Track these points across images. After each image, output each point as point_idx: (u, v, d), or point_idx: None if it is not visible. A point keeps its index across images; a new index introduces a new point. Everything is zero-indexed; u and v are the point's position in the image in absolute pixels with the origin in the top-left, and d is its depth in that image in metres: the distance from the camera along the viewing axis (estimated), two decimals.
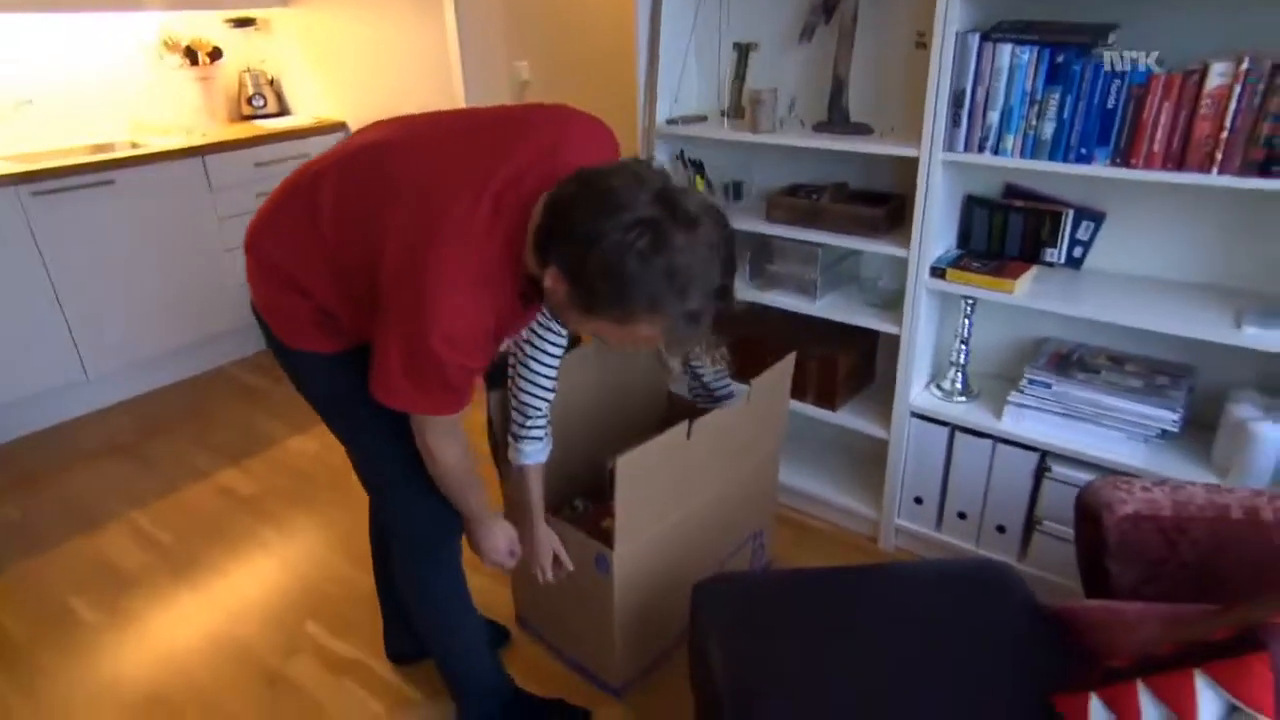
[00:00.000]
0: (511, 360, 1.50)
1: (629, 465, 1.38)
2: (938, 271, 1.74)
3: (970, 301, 1.80)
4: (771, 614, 1.29)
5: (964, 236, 1.85)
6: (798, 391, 2.07)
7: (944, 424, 1.85)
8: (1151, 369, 1.70)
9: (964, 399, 1.87)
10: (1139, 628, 1.22)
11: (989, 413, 1.81)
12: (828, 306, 1.97)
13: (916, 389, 1.92)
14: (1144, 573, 1.33)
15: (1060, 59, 1.46)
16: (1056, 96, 1.48)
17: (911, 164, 1.68)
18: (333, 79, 3.42)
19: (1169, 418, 1.58)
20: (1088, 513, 1.34)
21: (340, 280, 1.14)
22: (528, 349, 1.47)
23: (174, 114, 3.36)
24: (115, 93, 3.20)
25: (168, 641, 1.85)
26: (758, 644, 1.24)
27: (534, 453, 1.49)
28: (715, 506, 1.69)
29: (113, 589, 2.03)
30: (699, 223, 0.97)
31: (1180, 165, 1.41)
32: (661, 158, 2.18)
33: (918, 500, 1.98)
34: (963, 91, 1.56)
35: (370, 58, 3.23)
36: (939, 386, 1.91)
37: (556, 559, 1.54)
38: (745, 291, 2.08)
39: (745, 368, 2.10)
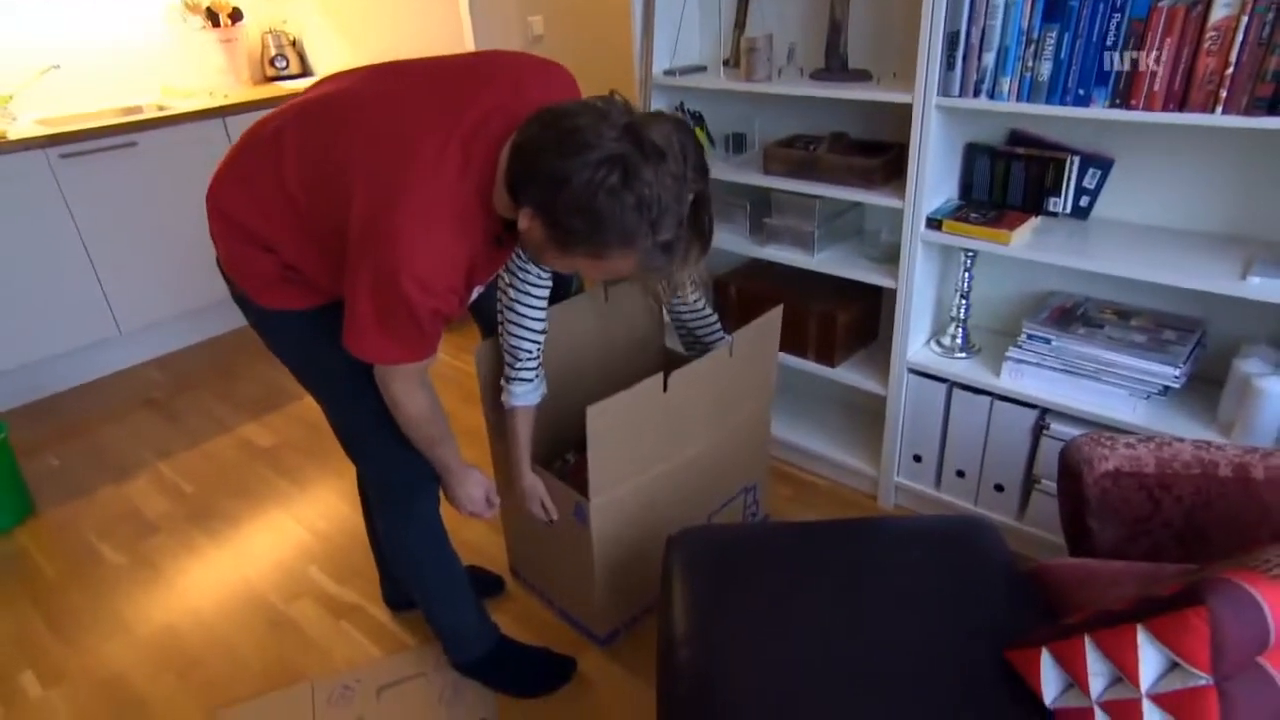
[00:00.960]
0: (500, 305, 1.52)
1: (599, 415, 1.39)
2: (934, 223, 1.69)
3: (970, 254, 1.74)
4: (738, 565, 1.30)
5: (965, 187, 1.79)
6: (797, 347, 2.05)
7: (942, 380, 1.81)
8: (1159, 323, 1.63)
9: (964, 355, 1.82)
10: (1113, 587, 1.19)
11: (988, 369, 1.76)
12: (827, 261, 1.93)
13: (916, 345, 1.88)
14: (1126, 531, 1.29)
15: None
16: (1054, 34, 1.41)
17: (909, 111, 1.62)
18: (351, 38, 3.43)
19: (1170, 373, 1.51)
20: (1069, 469, 1.31)
21: (308, 233, 1.16)
22: (511, 292, 1.48)
23: (199, 77, 3.42)
24: (141, 56, 3.27)
25: (182, 583, 1.95)
26: (720, 594, 1.24)
27: (524, 394, 1.52)
28: (703, 459, 1.69)
29: (136, 534, 2.14)
30: (665, 154, 0.98)
31: (1183, 105, 1.33)
32: (660, 108, 2.14)
33: (916, 458, 1.95)
34: (957, 32, 1.49)
35: (387, 15, 3.22)
36: (939, 342, 1.87)
37: (544, 507, 1.56)
38: (744, 246, 2.05)
39: (743, 322, 2.09)
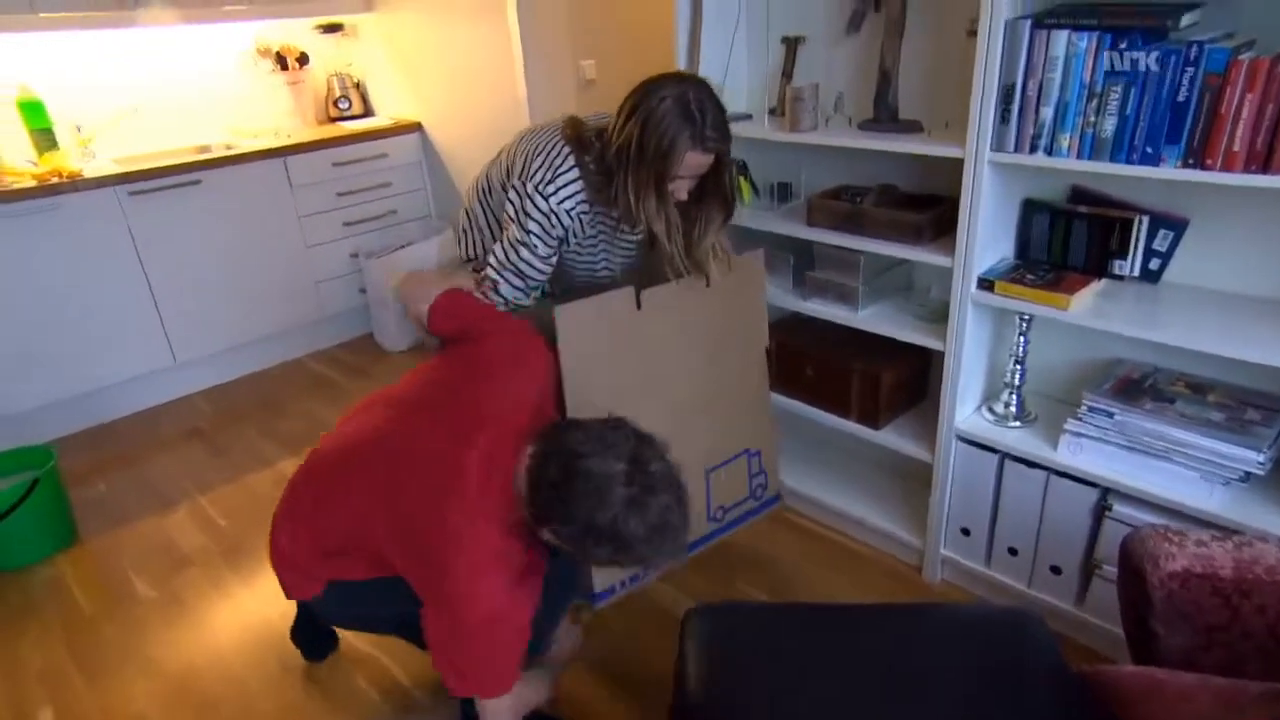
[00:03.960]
0: (500, 262, 1.57)
1: (569, 315, 1.36)
2: (986, 283, 1.58)
3: (1026, 318, 1.62)
4: (759, 647, 1.20)
5: (1022, 246, 1.68)
6: (840, 407, 1.95)
7: (993, 451, 1.69)
8: (1240, 400, 1.48)
9: (1018, 424, 1.69)
10: (1184, 704, 1.05)
11: (1045, 441, 1.63)
12: (871, 318, 1.83)
13: (966, 411, 1.76)
14: (1197, 639, 1.15)
15: (1123, 45, 1.29)
16: (1119, 89, 1.30)
17: (961, 165, 1.53)
18: (411, 81, 3.51)
19: (1253, 458, 1.37)
20: (1131, 565, 1.18)
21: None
22: (499, 258, 1.57)
23: (267, 117, 3.54)
24: (213, 98, 3.40)
25: (208, 622, 1.94)
26: (737, 678, 1.15)
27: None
28: (694, 407, 1.67)
29: (170, 568, 2.15)
30: (665, 480, 1.19)
31: (1266, 166, 1.21)
32: None
33: (965, 531, 1.81)
34: (1012, 85, 1.40)
35: (444, 60, 3.29)
36: (991, 409, 1.75)
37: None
38: (786, 300, 1.98)
39: (784, 377, 2.00)
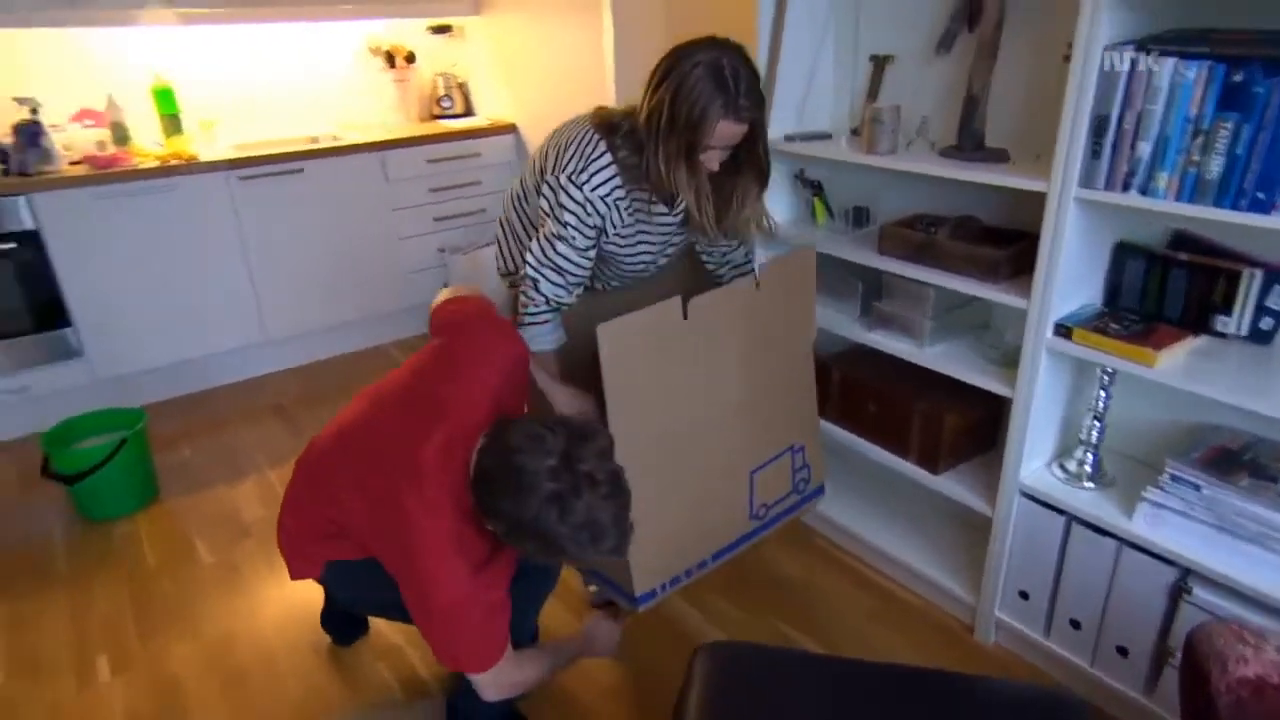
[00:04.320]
0: (536, 259, 1.54)
1: (612, 334, 1.31)
2: (1063, 330, 1.45)
3: (1108, 371, 1.48)
4: (766, 700, 1.13)
5: (1112, 293, 1.53)
6: (898, 447, 1.84)
7: (1060, 512, 1.54)
8: None
9: (1092, 485, 1.55)
10: None
11: (1119, 507, 1.48)
12: (938, 356, 1.72)
13: (1034, 465, 1.62)
14: None
15: (1239, 77, 1.15)
16: (1230, 125, 1.16)
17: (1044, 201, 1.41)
18: (510, 83, 3.59)
19: None
20: (1194, 664, 1.04)
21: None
22: (536, 255, 1.54)
23: (374, 112, 3.70)
24: (325, 92, 3.58)
25: (254, 595, 2.02)
26: None
27: (541, 336, 1.56)
28: (739, 410, 1.61)
29: (230, 536, 2.26)
30: (596, 479, 1.17)
31: None
32: (777, 176, 2.02)
33: (1023, 595, 1.67)
34: (1106, 117, 1.28)
35: (541, 63, 3.34)
36: (1063, 466, 1.60)
37: None
38: (851, 329, 1.88)
39: (845, 410, 1.91)
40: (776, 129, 1.94)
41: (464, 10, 3.64)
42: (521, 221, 1.70)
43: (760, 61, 1.90)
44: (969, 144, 1.62)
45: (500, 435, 1.22)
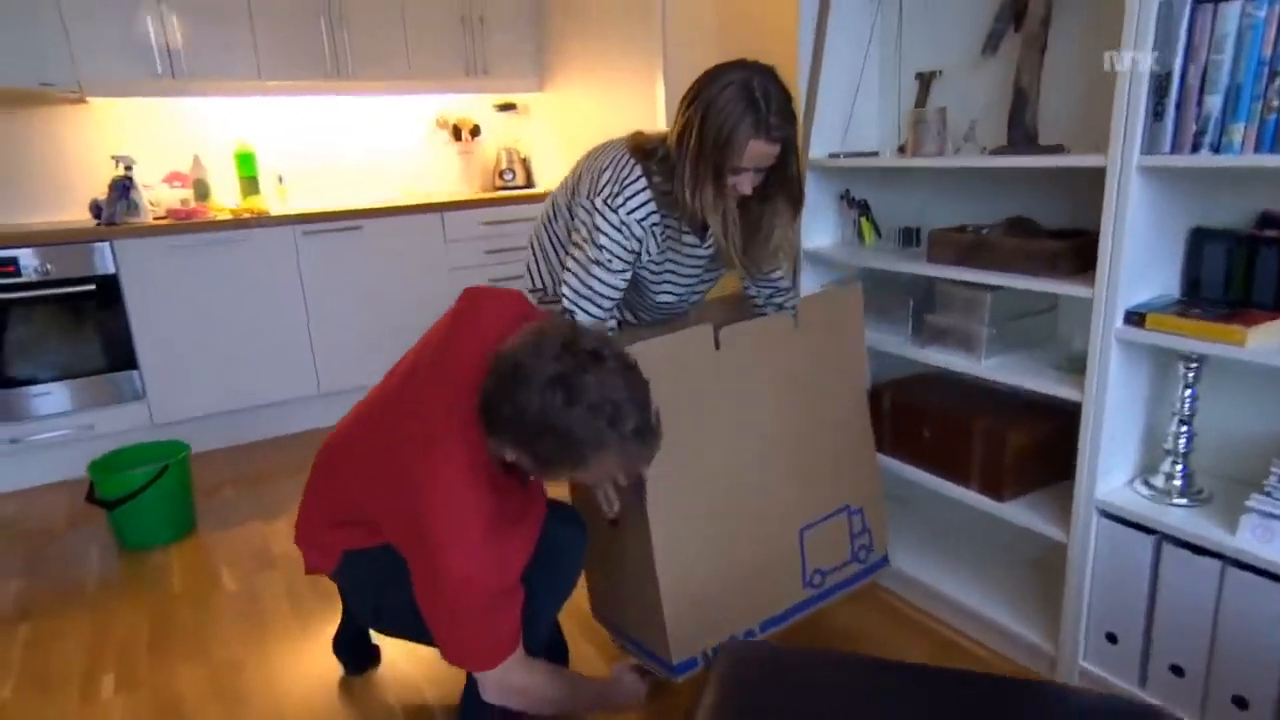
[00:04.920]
0: (567, 289, 1.48)
1: (638, 358, 1.19)
2: (1135, 318, 1.30)
3: (1193, 365, 1.31)
4: (794, 699, 0.97)
5: (1191, 284, 1.38)
6: (957, 473, 1.67)
7: (1148, 531, 1.34)
8: None
9: (1184, 501, 1.35)
10: None
11: (1219, 523, 1.28)
12: (998, 367, 1.58)
13: (1114, 483, 1.43)
14: None
15: None
16: None
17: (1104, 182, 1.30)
18: (570, 156, 3.67)
19: None
20: None
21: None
22: (571, 281, 1.48)
23: (439, 181, 3.87)
24: (395, 161, 3.77)
25: (268, 621, 1.94)
26: None
27: None
28: (783, 457, 1.48)
29: (256, 567, 2.20)
30: (603, 355, 1.08)
31: None
32: (822, 198, 1.97)
33: (1110, 638, 1.44)
34: (1168, 75, 1.19)
35: (599, 134, 3.43)
36: (1148, 483, 1.41)
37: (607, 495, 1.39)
38: (902, 347, 1.76)
39: (896, 438, 1.76)
40: (820, 148, 1.91)
41: (530, 87, 3.83)
42: (550, 239, 1.69)
43: (801, 84, 1.89)
44: (1020, 140, 1.54)
45: (498, 355, 1.13)
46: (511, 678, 1.21)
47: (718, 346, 1.34)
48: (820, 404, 1.54)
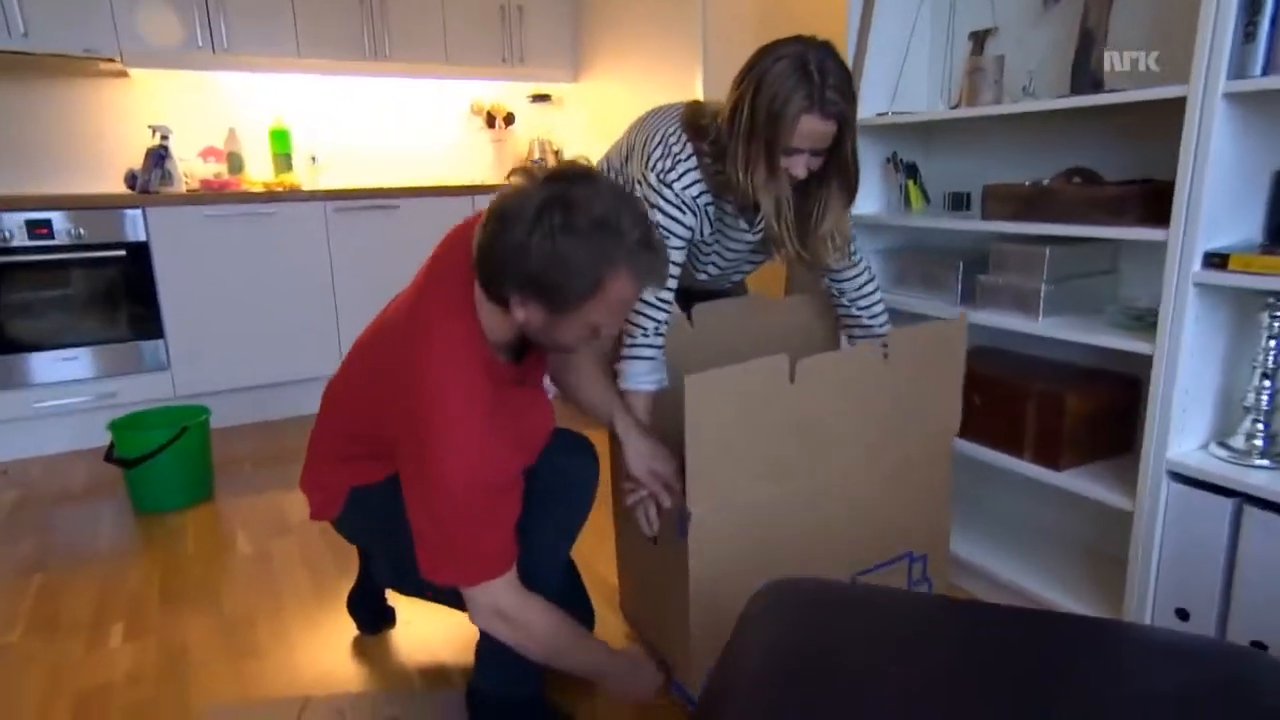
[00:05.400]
0: None
1: (702, 389, 1.10)
2: (1216, 259, 1.21)
3: (1278, 313, 1.22)
4: (850, 648, 0.88)
5: (1277, 231, 1.29)
6: (1008, 442, 1.58)
7: (1227, 493, 1.24)
8: None
9: (1267, 463, 1.24)
10: None
11: None
12: (1056, 325, 1.48)
13: (1186, 445, 1.33)
14: None
15: None
16: None
17: (1180, 123, 1.21)
18: (603, 148, 3.67)
19: None
20: None
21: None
22: None
23: (471, 168, 3.85)
24: (428, 145, 3.76)
25: (282, 582, 1.88)
26: (812, 691, 0.83)
27: (639, 375, 1.34)
28: (847, 491, 1.32)
29: (271, 531, 2.15)
30: (592, 175, 1.02)
31: None
32: (868, 161, 1.90)
33: (1182, 614, 1.33)
34: None
35: None
36: (1225, 444, 1.31)
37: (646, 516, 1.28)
38: (949, 312, 1.67)
39: None
40: (868, 108, 1.85)
41: (565, 77, 3.81)
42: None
43: (850, 47, 1.83)
44: (1086, 86, 1.47)
45: (484, 217, 1.05)
46: (502, 600, 1.11)
47: (793, 380, 1.20)
48: (899, 447, 1.37)
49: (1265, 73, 1.12)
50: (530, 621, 1.13)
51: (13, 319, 2.67)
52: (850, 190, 1.37)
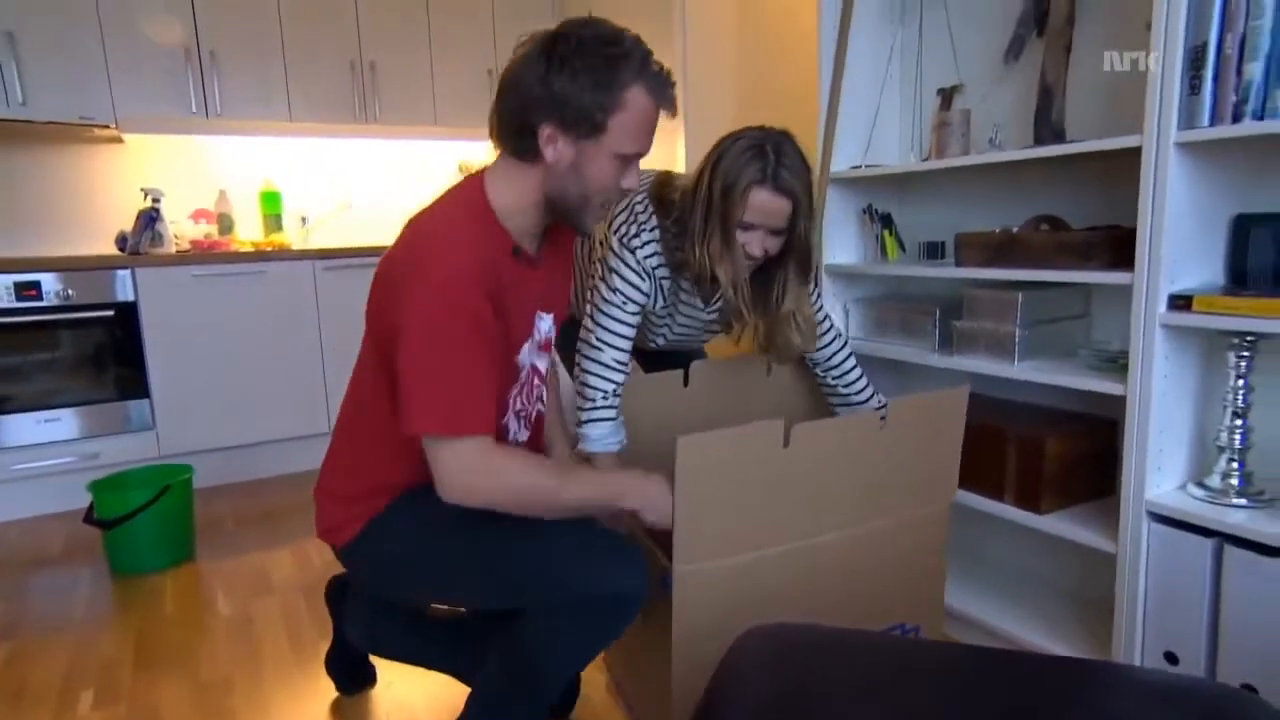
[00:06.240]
0: (578, 342, 1.37)
1: (694, 450, 1.09)
2: (1180, 301, 1.24)
3: (1244, 353, 1.24)
4: (821, 679, 0.87)
5: (1237, 274, 1.32)
6: (990, 487, 1.58)
7: (1207, 533, 1.24)
8: None
9: (1244, 502, 1.25)
10: None
11: None
12: (1032, 369, 1.50)
13: (1165, 485, 1.34)
14: None
15: None
16: None
17: (1139, 169, 1.26)
18: None
19: None
20: None
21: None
22: (589, 323, 1.39)
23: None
24: (415, 205, 3.79)
25: (262, 644, 1.83)
26: (795, 694, 0.82)
27: (601, 437, 1.34)
28: (837, 557, 1.29)
29: (253, 591, 2.11)
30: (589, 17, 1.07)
31: None
32: (844, 213, 1.94)
33: (1170, 658, 1.31)
34: (1203, 45, 1.16)
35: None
36: (1202, 484, 1.31)
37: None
38: (928, 358, 1.70)
39: None
40: (842, 161, 1.90)
41: None
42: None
43: (822, 103, 1.89)
44: (1047, 138, 1.52)
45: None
46: (480, 460, 1.04)
47: (787, 444, 1.18)
48: (894, 515, 1.35)
49: (1212, 123, 1.17)
50: (510, 471, 1.06)
51: None
52: (806, 270, 1.40)
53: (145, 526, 2.22)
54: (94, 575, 2.25)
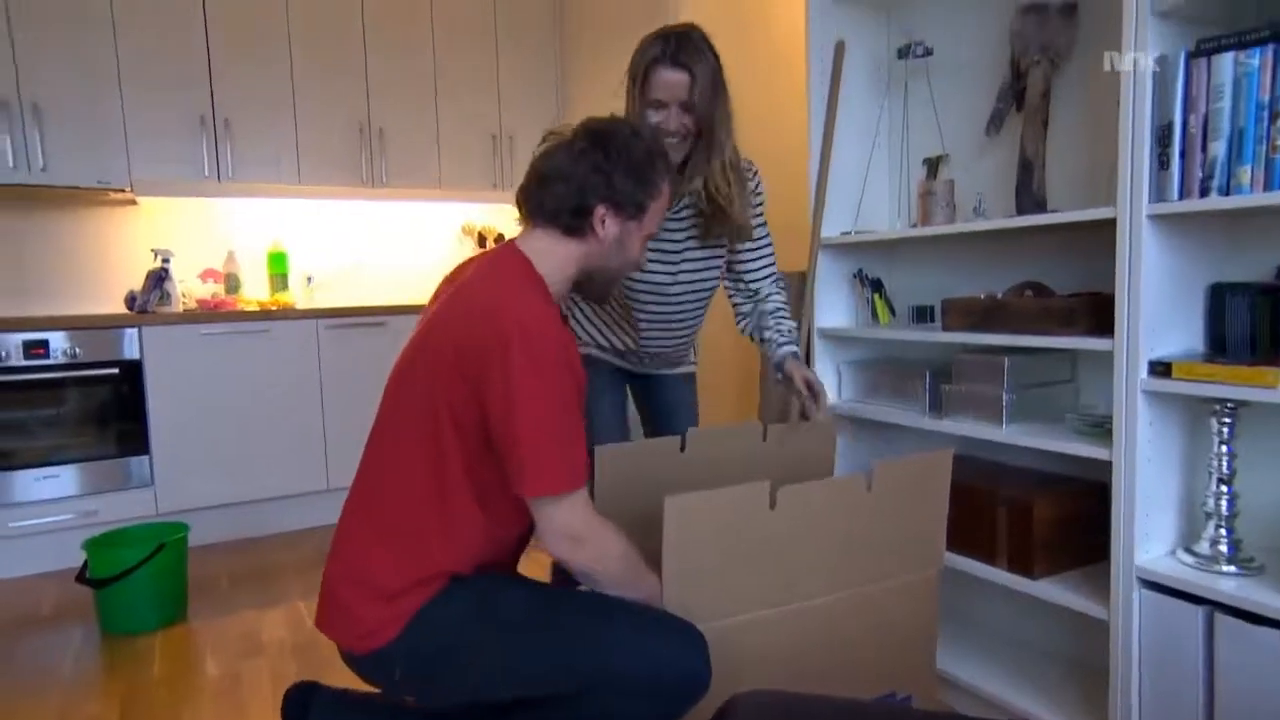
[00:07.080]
0: None
1: (682, 511, 1.10)
2: (1160, 367, 1.26)
3: (1226, 419, 1.25)
4: None
5: (1216, 341, 1.34)
6: (982, 551, 1.57)
7: (1195, 600, 1.23)
8: None
9: (1233, 569, 1.24)
10: None
11: (1277, 589, 1.17)
12: (1020, 433, 1.52)
13: (1154, 551, 1.33)
14: None
15: None
16: None
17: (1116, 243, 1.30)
18: None
19: None
20: None
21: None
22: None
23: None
24: (422, 266, 3.89)
25: (247, 706, 1.81)
26: None
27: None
28: (829, 633, 1.28)
29: (242, 652, 2.09)
30: (604, 120, 1.25)
31: None
32: (835, 278, 1.98)
33: None
34: (1169, 125, 1.21)
35: None
36: (1191, 550, 1.31)
37: None
38: (917, 420, 1.71)
39: None
40: (832, 227, 1.95)
41: None
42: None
43: (812, 173, 1.94)
44: (1029, 207, 1.56)
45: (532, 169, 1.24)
46: (578, 517, 1.10)
47: (773, 506, 1.19)
48: (882, 579, 1.33)
49: (1181, 197, 1.21)
50: (606, 542, 1.13)
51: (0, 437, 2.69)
52: (712, 148, 1.49)
53: (138, 586, 2.21)
54: (85, 635, 2.23)
